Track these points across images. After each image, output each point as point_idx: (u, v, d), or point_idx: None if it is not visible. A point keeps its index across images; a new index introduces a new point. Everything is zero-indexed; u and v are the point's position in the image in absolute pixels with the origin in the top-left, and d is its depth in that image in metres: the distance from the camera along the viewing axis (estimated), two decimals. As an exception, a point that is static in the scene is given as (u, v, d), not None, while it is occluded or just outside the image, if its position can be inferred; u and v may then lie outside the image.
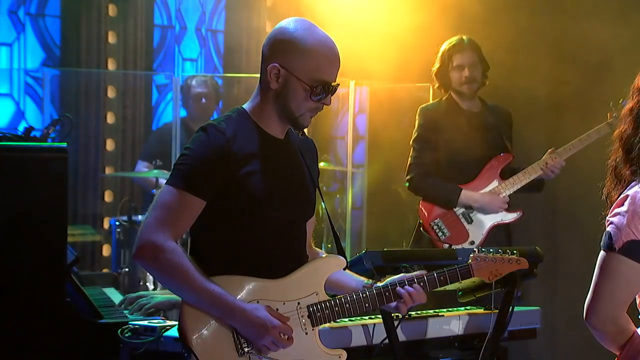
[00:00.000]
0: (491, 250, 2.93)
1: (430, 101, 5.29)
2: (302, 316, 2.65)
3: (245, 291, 2.60)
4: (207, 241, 2.64)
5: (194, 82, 5.84)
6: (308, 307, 2.65)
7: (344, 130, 6.19)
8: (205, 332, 2.56)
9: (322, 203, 2.98)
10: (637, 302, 2.31)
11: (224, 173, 2.58)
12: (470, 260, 2.88)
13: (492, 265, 2.90)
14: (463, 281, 3.69)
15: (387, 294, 2.73)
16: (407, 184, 4.95)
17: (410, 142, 4.96)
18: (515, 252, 3.00)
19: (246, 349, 2.57)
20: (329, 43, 2.67)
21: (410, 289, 2.73)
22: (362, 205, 6.23)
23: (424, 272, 2.81)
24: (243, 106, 2.73)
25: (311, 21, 2.72)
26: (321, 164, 6.34)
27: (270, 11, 6.52)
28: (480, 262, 2.88)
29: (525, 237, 4.95)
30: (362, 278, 2.82)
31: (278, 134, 2.72)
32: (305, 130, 2.83)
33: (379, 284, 2.76)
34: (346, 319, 3.36)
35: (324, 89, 2.64)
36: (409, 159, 4.94)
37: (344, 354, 2.72)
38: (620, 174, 2.29)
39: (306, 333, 2.66)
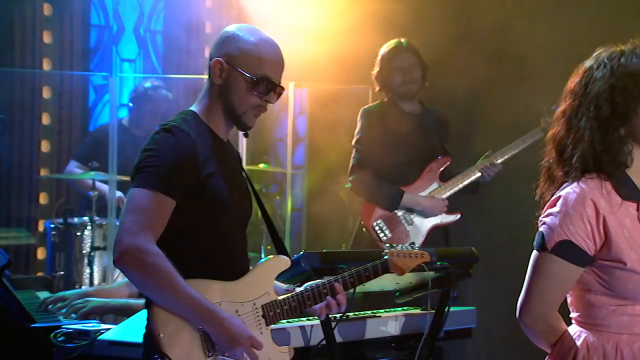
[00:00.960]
0: (400, 245, 3.05)
1: (370, 103, 5.33)
2: (257, 316, 2.71)
3: (209, 293, 2.63)
4: (168, 243, 2.61)
5: (163, 92, 5.76)
6: (262, 306, 2.72)
7: (283, 132, 6.19)
8: (175, 334, 2.57)
9: (261, 205, 3.02)
10: (568, 301, 2.35)
11: (192, 174, 2.59)
12: (387, 256, 3.00)
13: (403, 260, 3.02)
14: (400, 282, 3.75)
15: (325, 291, 2.84)
16: (349, 186, 4.99)
17: (352, 144, 5.00)
18: (418, 246, 3.14)
19: (212, 353, 2.60)
20: (272, 43, 2.74)
21: (339, 297, 2.86)
22: (302, 207, 6.24)
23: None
24: (191, 108, 2.76)
25: (251, 22, 2.77)
26: (261, 166, 6.37)
27: (210, 12, 6.48)
28: (394, 257, 2.99)
29: (462, 238, 5.01)
30: (282, 284, 2.91)
31: (223, 135, 2.76)
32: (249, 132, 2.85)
33: (298, 289, 2.85)
34: (284, 321, 3.38)
35: (267, 86, 2.68)
36: (351, 161, 4.98)
37: (292, 350, 2.81)
38: (553, 175, 2.32)
39: (261, 332, 2.72)
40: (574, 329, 2.32)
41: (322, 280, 2.86)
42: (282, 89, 2.75)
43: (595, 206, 2.21)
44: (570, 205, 2.21)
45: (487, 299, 5.78)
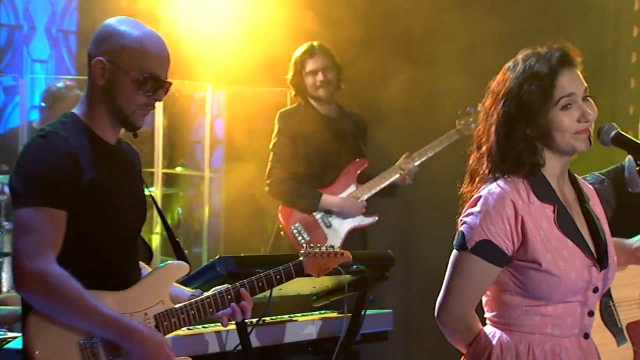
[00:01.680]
0: (319, 246, 2.99)
1: (288, 106, 5.33)
2: (149, 327, 2.57)
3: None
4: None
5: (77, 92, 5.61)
6: (155, 316, 2.60)
7: (201, 135, 6.12)
8: (50, 346, 2.45)
9: (159, 210, 2.93)
10: (484, 301, 2.39)
11: (73, 181, 2.47)
12: (301, 257, 2.92)
13: (321, 260, 2.94)
14: (317, 286, 3.75)
15: (229, 297, 2.72)
16: (267, 189, 4.97)
17: (270, 147, 4.99)
18: (338, 246, 3.08)
19: None
20: (156, 37, 2.59)
21: (243, 303, 2.73)
22: (220, 211, 6.18)
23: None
24: (73, 111, 2.60)
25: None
26: (178, 169, 6.29)
27: (125, 12, 6.36)
28: (310, 258, 2.92)
29: (380, 241, 5.05)
30: (189, 290, 2.79)
31: (111, 139, 2.61)
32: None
33: (206, 293, 2.73)
34: (199, 326, 3.33)
35: (155, 84, 2.55)
36: (269, 164, 4.97)
37: None
38: (474, 174, 2.35)
39: None
40: (489, 329, 2.34)
41: (227, 286, 2.74)
42: (170, 84, 2.60)
43: (515, 206, 2.23)
44: (491, 205, 2.23)
45: (404, 302, 5.84)
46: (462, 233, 2.27)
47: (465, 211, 2.29)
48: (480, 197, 2.27)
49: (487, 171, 2.30)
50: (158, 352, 2.48)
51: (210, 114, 5.98)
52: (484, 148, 2.31)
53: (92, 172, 2.50)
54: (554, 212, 2.27)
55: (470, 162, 2.36)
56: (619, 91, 5.38)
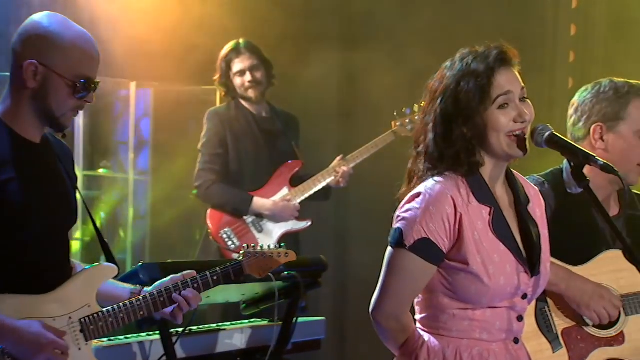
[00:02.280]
0: (261, 245, 2.98)
1: (218, 104, 5.31)
2: (74, 331, 2.58)
3: (12, 310, 2.49)
4: None
5: None
6: (80, 321, 2.60)
7: (126, 135, 6.05)
8: None
9: (88, 211, 2.90)
10: (415, 302, 2.41)
11: None
12: (241, 257, 2.91)
13: (263, 261, 2.93)
14: (247, 293, 3.74)
15: (162, 299, 2.71)
16: (196, 192, 4.94)
17: (199, 148, 4.95)
18: (282, 245, 3.07)
19: None
20: (87, 37, 2.62)
21: (186, 293, 2.73)
22: (146, 215, 6.12)
23: (192, 272, 2.79)
24: None
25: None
26: (100, 171, 6.19)
27: (40, 9, 6.25)
28: (251, 259, 2.91)
29: (314, 246, 5.06)
30: (128, 285, 2.78)
31: (34, 137, 2.62)
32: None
33: (148, 288, 2.73)
34: (122, 337, 3.30)
35: (87, 86, 2.58)
36: (197, 165, 4.93)
37: None
38: (412, 174, 2.36)
39: (79, 349, 2.60)
40: (419, 333, 2.36)
41: (159, 289, 2.72)
42: (98, 83, 2.64)
43: (455, 203, 2.26)
44: (431, 201, 2.25)
45: (339, 309, 5.87)
46: (400, 230, 2.27)
47: (403, 207, 2.31)
48: (419, 193, 2.28)
49: (425, 171, 2.32)
50: (34, 347, 2.46)
51: (135, 113, 5.92)
52: (421, 147, 2.33)
53: (7, 171, 2.50)
54: (489, 214, 2.31)
55: (410, 163, 2.39)
56: (558, 64, 5.52)
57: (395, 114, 4.99)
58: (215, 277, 2.82)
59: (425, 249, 2.26)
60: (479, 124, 2.27)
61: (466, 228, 2.27)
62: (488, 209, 2.31)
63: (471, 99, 2.26)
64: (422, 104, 2.40)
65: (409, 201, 2.29)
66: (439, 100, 2.30)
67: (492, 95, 2.27)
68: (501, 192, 2.39)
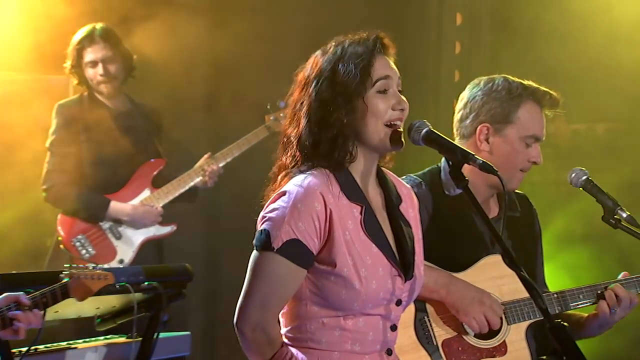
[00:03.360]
0: (88, 265, 2.92)
1: (70, 96, 5.16)
2: None
3: None
4: None
5: None
6: None
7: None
8: None
9: None
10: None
11: None
12: (66, 279, 2.85)
13: (86, 283, 2.88)
14: (102, 306, 3.66)
15: None
16: (44, 195, 4.82)
17: (47, 145, 4.82)
18: (98, 265, 3.01)
19: None
20: None
21: (19, 313, 2.69)
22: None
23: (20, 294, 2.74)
24: None
25: None
26: None
27: None
28: (75, 280, 2.87)
29: (180, 253, 5.01)
30: None
31: None
32: None
33: None
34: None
35: None
36: (45, 165, 4.81)
37: None
38: (279, 169, 2.35)
39: None
40: (285, 347, 2.33)
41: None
42: None
43: (325, 201, 2.26)
44: (299, 199, 2.24)
45: (208, 322, 5.83)
46: (266, 231, 2.25)
47: (268, 206, 2.29)
48: (285, 192, 2.27)
49: (293, 165, 2.32)
50: None
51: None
52: (292, 138, 2.33)
53: None
54: (361, 213, 2.32)
55: (277, 158, 2.38)
56: (444, 56, 5.64)
57: (268, 107, 4.99)
58: (44, 300, 2.79)
59: (295, 251, 2.24)
60: (357, 108, 2.30)
61: (337, 227, 2.27)
62: (359, 207, 2.32)
63: (350, 82, 2.29)
64: (292, 95, 2.40)
65: (275, 200, 2.28)
66: (313, 85, 2.31)
67: (373, 77, 2.31)
68: (373, 191, 2.41)
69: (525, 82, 3.13)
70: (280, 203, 2.26)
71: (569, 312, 3.13)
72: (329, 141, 2.30)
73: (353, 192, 2.33)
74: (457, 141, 3.07)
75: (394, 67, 2.37)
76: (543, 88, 3.12)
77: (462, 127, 3.13)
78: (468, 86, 3.16)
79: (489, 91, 3.09)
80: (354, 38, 2.35)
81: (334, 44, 2.36)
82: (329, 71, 2.31)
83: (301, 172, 2.31)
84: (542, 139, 3.12)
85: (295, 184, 2.28)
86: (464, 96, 3.14)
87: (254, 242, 2.29)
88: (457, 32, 5.77)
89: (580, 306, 3.10)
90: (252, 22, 5.56)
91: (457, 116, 3.15)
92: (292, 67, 2.48)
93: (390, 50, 2.38)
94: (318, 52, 2.38)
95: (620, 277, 3.14)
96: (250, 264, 2.30)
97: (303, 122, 2.31)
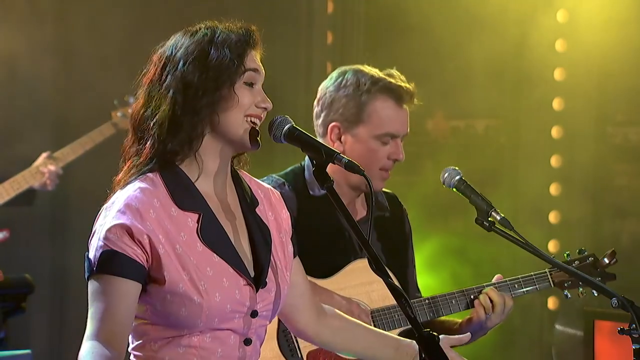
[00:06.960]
0: None
1: None
2: None
3: None
4: None
5: None
6: None
7: None
8: None
9: None
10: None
11: None
12: None
13: None
14: None
15: None
16: None
17: None
18: None
19: None
20: None
21: None
22: None
23: None
24: None
25: None
26: None
27: None
28: None
29: (20, 263, 4.91)
30: None
31: None
32: None
33: None
34: None
35: None
36: None
37: None
38: (123, 159, 2.34)
39: None
40: None
41: None
42: None
43: (144, 217, 2.23)
44: (119, 215, 2.21)
45: (55, 339, 5.70)
46: (88, 258, 2.24)
47: (95, 223, 2.25)
48: (107, 206, 2.24)
49: (138, 157, 2.29)
50: None
51: None
52: (149, 121, 2.29)
53: None
54: (197, 221, 2.28)
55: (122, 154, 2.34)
56: (315, 47, 5.67)
57: (115, 102, 4.92)
58: None
59: (120, 264, 2.21)
60: (224, 96, 2.29)
61: (161, 243, 2.23)
62: (195, 216, 2.29)
63: (224, 67, 2.30)
64: (148, 74, 2.35)
65: (99, 217, 2.25)
66: (179, 65, 2.30)
67: (245, 66, 2.33)
68: (224, 191, 2.37)
69: (380, 73, 3.12)
70: (101, 221, 2.24)
71: (442, 318, 3.17)
72: (191, 126, 2.27)
73: (186, 199, 2.29)
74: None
75: (261, 64, 2.38)
76: (396, 81, 3.11)
77: (316, 126, 3.15)
78: (324, 81, 3.17)
79: (338, 86, 3.10)
80: (227, 25, 2.35)
81: (202, 26, 2.35)
82: (198, 52, 2.31)
83: (127, 183, 2.27)
84: (400, 135, 3.13)
85: (118, 198, 2.24)
86: (318, 92, 3.15)
87: (85, 272, 2.26)
88: (328, 21, 5.80)
89: (453, 312, 3.14)
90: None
91: (313, 114, 3.17)
92: (140, 62, 2.44)
93: (259, 46, 2.38)
94: (179, 33, 2.35)
95: (493, 280, 3.19)
96: (89, 296, 2.25)
97: (164, 104, 2.27)
